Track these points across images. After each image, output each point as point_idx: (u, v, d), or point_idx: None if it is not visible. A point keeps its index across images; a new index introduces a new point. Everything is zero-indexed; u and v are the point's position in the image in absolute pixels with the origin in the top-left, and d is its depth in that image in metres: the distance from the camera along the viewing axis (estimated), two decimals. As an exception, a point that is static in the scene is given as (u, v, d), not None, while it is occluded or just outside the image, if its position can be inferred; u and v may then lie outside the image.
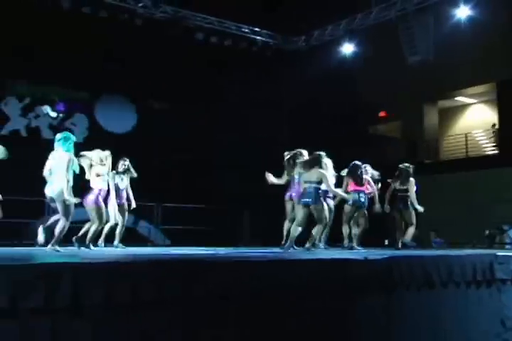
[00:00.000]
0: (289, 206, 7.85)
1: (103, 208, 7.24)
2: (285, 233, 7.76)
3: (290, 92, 12.86)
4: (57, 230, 6.06)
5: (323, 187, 7.11)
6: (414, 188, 8.21)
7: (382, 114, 16.50)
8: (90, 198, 7.15)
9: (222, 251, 6.95)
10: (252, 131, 12.33)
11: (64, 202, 5.98)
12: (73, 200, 6.03)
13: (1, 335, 3.15)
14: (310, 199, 7.00)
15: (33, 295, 3.19)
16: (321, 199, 7.13)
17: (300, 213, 7.13)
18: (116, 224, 7.80)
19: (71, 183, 5.99)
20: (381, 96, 14.88)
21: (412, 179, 8.26)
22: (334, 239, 8.63)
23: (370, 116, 15.73)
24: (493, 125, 16.91)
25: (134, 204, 7.90)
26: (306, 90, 12.48)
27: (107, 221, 7.56)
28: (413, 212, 8.16)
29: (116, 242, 8.00)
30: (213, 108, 12.39)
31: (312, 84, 12.37)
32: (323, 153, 7.30)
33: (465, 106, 18.87)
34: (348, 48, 12.97)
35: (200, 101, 12.25)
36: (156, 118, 12.23)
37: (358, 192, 8.03)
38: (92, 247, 7.22)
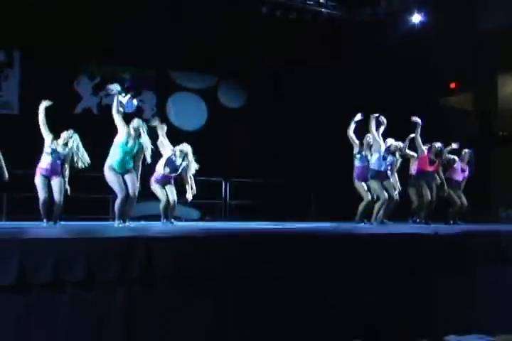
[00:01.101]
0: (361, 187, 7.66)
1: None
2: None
3: (356, 65, 12.58)
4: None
5: None
6: None
7: (453, 85, 15.92)
8: None
9: (289, 225, 6.97)
10: (314, 107, 12.17)
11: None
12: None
13: (79, 305, 3.30)
14: None
15: (108, 267, 3.32)
16: None
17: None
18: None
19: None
20: (452, 67, 14.33)
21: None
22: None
23: (440, 88, 15.22)
24: None
25: None
26: (373, 63, 12.17)
27: None
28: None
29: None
30: (278, 82, 12.34)
31: (379, 56, 12.04)
32: None
33: (543, 74, 17.90)
34: (417, 18, 12.58)
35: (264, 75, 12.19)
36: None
37: None
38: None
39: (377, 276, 4.16)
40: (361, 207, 7.57)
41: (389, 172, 7.62)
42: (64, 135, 6.43)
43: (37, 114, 6.38)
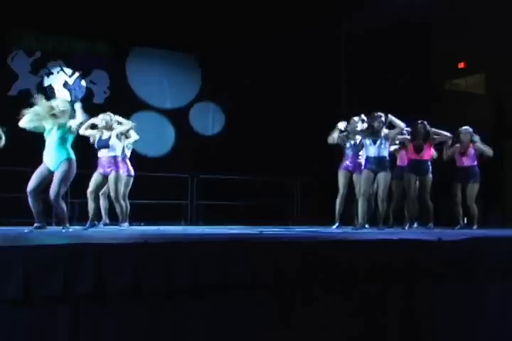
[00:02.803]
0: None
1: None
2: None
3: (351, 44, 12.62)
4: None
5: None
6: None
7: (461, 65, 16.04)
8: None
9: (269, 230, 6.98)
10: (303, 90, 12.20)
11: None
12: None
13: (15, 326, 3.23)
14: None
15: (50, 282, 3.26)
16: None
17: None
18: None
19: None
20: (460, 45, 14.45)
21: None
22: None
23: (446, 69, 15.32)
24: None
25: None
26: (370, 40, 12.23)
27: None
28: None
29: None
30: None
31: (378, 33, 12.10)
32: None
33: None
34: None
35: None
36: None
37: None
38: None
39: (370, 288, 4.18)
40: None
41: None
42: None
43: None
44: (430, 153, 8.40)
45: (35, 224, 6.44)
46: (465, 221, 8.52)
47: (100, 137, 7.67)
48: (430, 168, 8.31)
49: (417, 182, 8.30)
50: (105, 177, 7.58)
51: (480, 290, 4.60)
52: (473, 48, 14.62)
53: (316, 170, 11.31)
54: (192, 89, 12.81)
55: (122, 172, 7.78)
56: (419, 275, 4.36)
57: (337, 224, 8.23)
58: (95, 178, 7.61)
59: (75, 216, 9.28)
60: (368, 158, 7.79)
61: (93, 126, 7.73)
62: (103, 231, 6.83)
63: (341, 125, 8.21)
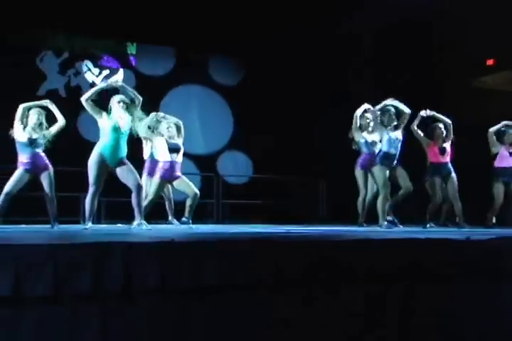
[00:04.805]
0: None
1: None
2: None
3: (370, 38, 12.52)
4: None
5: None
6: None
7: (489, 62, 15.86)
8: None
9: (294, 229, 6.98)
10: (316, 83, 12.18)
11: None
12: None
13: (47, 324, 3.27)
14: None
15: (78, 280, 3.29)
16: None
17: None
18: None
19: None
20: (489, 41, 14.28)
21: None
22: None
23: (474, 66, 15.15)
24: None
25: None
26: (389, 35, 12.13)
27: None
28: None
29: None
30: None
31: (396, 28, 12.01)
32: None
33: None
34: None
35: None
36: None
37: None
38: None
39: (398, 288, 4.16)
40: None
41: None
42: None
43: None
44: (452, 152, 8.34)
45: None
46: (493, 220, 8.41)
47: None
48: None
49: (445, 184, 8.24)
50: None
51: (506, 290, 4.55)
52: (503, 45, 14.40)
53: (340, 169, 11.26)
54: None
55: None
56: (446, 275, 4.33)
57: (362, 223, 8.21)
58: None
59: (101, 214, 9.40)
60: (382, 154, 7.75)
61: None
62: (130, 229, 6.87)
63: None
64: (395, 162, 7.76)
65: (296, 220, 9.47)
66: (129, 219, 6.97)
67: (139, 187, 6.55)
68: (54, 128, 7.10)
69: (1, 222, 6.84)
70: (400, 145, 7.77)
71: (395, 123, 7.75)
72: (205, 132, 12.53)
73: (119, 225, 7.82)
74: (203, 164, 12.39)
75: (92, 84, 11.56)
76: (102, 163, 6.51)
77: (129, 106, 6.67)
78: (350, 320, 4.02)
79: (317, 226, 8.75)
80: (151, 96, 7.74)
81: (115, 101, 6.68)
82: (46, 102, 7.11)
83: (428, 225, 8.11)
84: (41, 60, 11.37)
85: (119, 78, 11.84)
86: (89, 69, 11.74)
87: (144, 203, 7.44)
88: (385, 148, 7.74)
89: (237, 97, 12.68)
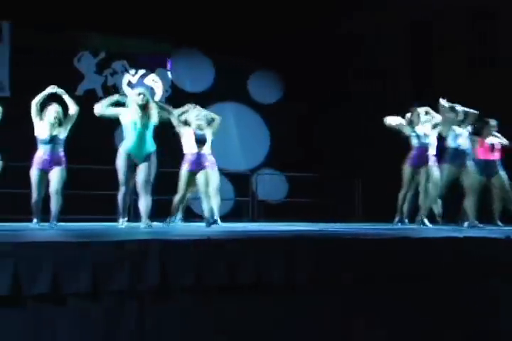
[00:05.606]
0: None
1: None
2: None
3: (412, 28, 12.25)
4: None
5: None
6: None
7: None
8: None
9: (331, 227, 6.96)
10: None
11: None
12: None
13: (86, 320, 3.31)
14: None
15: (116, 277, 3.31)
16: None
17: None
18: None
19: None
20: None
21: None
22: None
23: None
24: None
25: None
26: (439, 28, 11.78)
27: None
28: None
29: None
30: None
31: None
32: None
33: None
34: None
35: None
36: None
37: None
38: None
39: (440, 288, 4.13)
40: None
41: None
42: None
43: (32, 98, 6.46)
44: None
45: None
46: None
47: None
48: None
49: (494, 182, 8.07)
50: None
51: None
52: None
53: (379, 167, 11.15)
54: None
55: None
56: (487, 274, 4.27)
57: (399, 220, 8.04)
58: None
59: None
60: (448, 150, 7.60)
61: None
62: (168, 227, 6.91)
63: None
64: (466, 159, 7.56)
65: (332, 219, 9.41)
66: (163, 217, 6.95)
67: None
68: (69, 120, 6.76)
69: (40, 221, 6.74)
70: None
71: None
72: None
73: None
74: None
75: (129, 84, 11.68)
76: (128, 161, 6.41)
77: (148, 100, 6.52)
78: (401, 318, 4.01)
79: (354, 224, 8.71)
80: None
81: (135, 94, 6.59)
82: (53, 88, 6.74)
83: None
84: (79, 60, 11.51)
85: (154, 78, 11.93)
86: (126, 69, 11.85)
87: (176, 198, 7.38)
88: (453, 145, 7.53)
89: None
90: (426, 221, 7.64)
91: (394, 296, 4.05)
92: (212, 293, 3.56)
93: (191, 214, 8.53)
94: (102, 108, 6.55)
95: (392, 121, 8.09)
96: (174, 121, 7.23)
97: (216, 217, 7.39)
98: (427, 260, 4.13)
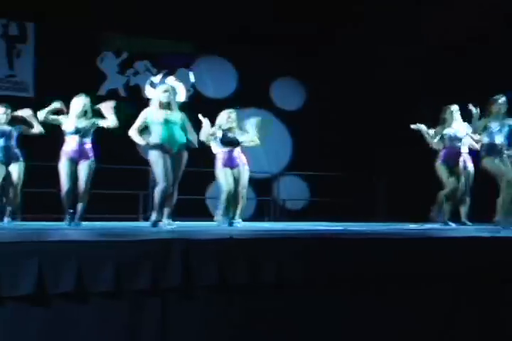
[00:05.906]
0: None
1: None
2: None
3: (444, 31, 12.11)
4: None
5: None
6: None
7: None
8: None
9: (353, 227, 6.92)
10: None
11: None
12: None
13: (109, 318, 3.32)
14: None
15: (139, 276, 3.33)
16: None
17: None
18: None
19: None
20: None
21: None
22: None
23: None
24: None
25: None
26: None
27: None
28: None
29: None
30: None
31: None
32: None
33: None
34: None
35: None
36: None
37: None
38: None
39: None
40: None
41: None
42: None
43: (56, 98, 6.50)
44: None
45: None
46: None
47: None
48: None
49: None
50: None
51: None
52: None
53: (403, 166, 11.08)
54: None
55: None
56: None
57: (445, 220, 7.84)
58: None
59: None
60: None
61: None
62: (188, 226, 6.91)
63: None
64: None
65: (355, 218, 9.36)
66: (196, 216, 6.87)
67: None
68: (104, 123, 6.65)
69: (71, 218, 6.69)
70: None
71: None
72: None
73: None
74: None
75: (151, 84, 11.72)
76: (163, 155, 6.26)
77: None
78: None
79: (377, 223, 8.66)
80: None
81: (160, 91, 6.58)
82: (60, 103, 6.63)
83: None
84: (102, 60, 11.57)
85: (175, 79, 11.95)
86: (148, 69, 11.89)
87: (222, 197, 7.24)
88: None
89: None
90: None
91: (425, 295, 4.03)
92: (235, 292, 3.56)
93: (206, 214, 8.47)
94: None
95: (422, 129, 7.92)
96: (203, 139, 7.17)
97: (237, 217, 7.36)
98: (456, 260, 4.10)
